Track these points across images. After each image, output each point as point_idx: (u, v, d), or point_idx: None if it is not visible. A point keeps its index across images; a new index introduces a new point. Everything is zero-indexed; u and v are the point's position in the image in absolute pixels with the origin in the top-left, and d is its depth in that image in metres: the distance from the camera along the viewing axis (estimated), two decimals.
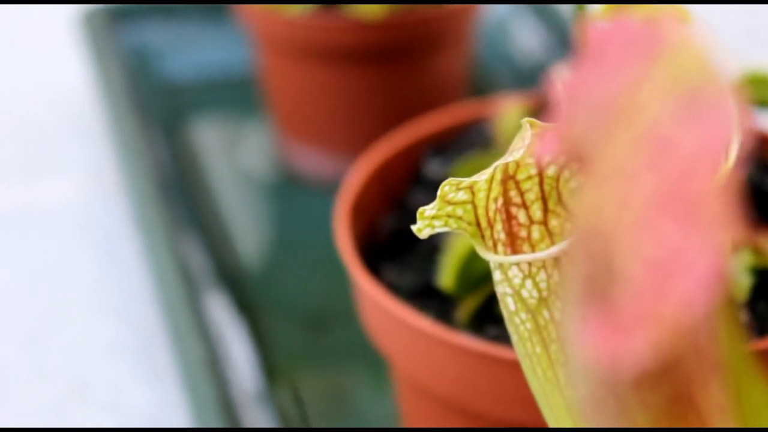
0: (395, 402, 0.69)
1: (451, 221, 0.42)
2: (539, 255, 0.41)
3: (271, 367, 0.78)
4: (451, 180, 0.41)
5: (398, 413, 0.68)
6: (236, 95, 1.08)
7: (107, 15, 1.09)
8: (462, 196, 0.42)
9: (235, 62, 1.09)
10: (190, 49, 1.11)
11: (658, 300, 0.24)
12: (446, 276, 0.61)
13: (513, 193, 0.43)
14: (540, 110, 0.71)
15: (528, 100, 0.72)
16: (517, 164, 0.42)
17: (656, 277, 0.24)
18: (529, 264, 0.41)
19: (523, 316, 0.42)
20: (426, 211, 0.42)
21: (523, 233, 0.43)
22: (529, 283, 0.42)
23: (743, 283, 0.58)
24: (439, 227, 0.42)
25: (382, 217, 0.70)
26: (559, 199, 0.42)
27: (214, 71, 1.10)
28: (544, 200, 0.43)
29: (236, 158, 1.01)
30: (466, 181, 0.41)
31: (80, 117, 1.06)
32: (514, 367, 0.56)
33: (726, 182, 0.25)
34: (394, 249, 0.67)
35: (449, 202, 0.42)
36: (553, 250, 0.41)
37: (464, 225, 0.42)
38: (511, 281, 0.42)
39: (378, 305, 0.60)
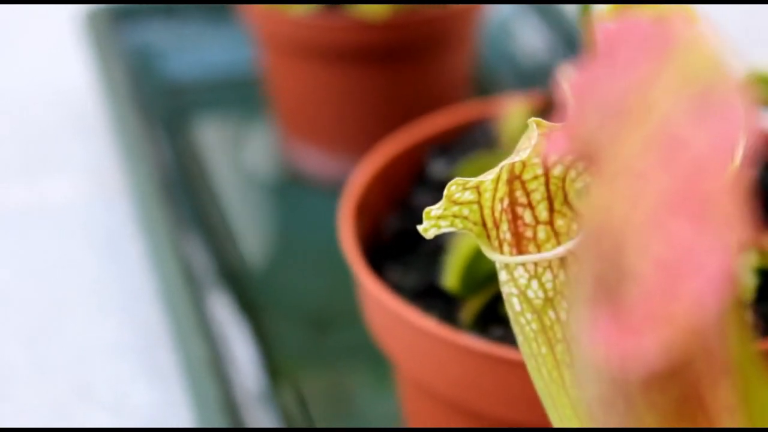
0: (399, 402, 0.69)
1: (457, 221, 0.42)
2: (545, 255, 0.41)
3: (274, 366, 0.78)
4: (457, 180, 0.41)
5: (402, 413, 0.68)
6: (239, 95, 1.08)
7: (110, 14, 1.09)
8: (468, 196, 0.41)
9: (239, 62, 1.09)
10: (193, 48, 1.11)
11: (668, 300, 0.24)
12: (451, 276, 0.61)
13: (519, 193, 0.43)
14: (545, 110, 0.71)
15: (532, 100, 0.72)
16: (524, 164, 0.42)
17: (667, 276, 0.24)
18: (535, 264, 0.41)
19: (529, 316, 0.42)
20: (432, 211, 0.42)
21: (529, 233, 0.43)
22: (534, 283, 0.42)
23: (749, 283, 0.58)
24: (445, 227, 0.42)
25: (386, 217, 0.69)
26: (565, 199, 0.42)
27: (217, 71, 1.10)
28: (550, 200, 0.43)
29: (239, 158, 1.01)
30: (473, 181, 0.41)
31: (83, 116, 1.05)
32: (519, 367, 0.56)
33: (736, 182, 0.25)
34: (398, 249, 0.67)
35: (455, 202, 0.41)
36: (559, 250, 0.41)
37: (470, 225, 0.42)
38: (517, 281, 0.42)
39: (382, 305, 0.60)
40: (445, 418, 0.62)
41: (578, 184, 0.42)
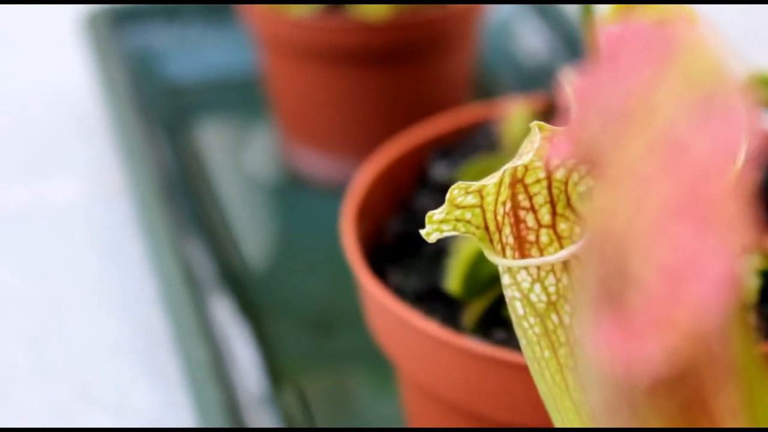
0: (400, 405, 0.69)
1: (460, 225, 0.42)
2: (548, 259, 0.41)
3: (276, 369, 0.78)
4: (459, 184, 0.41)
5: (404, 417, 0.68)
6: (240, 97, 1.08)
7: (111, 16, 1.09)
8: (471, 199, 0.41)
9: (239, 63, 1.09)
10: (194, 50, 1.11)
11: (672, 304, 0.24)
12: (453, 279, 0.61)
13: (521, 197, 0.42)
14: (546, 113, 0.71)
15: (534, 102, 0.72)
16: (526, 168, 0.42)
17: (670, 281, 0.24)
18: (538, 268, 0.41)
19: (532, 320, 0.42)
20: (434, 215, 0.41)
21: (532, 237, 0.43)
22: (537, 287, 0.42)
23: (751, 285, 0.58)
24: (447, 231, 0.42)
25: (388, 219, 0.69)
26: (568, 203, 0.42)
27: (217, 72, 1.10)
28: (552, 204, 0.42)
29: (240, 160, 1.00)
30: (475, 184, 0.41)
31: (83, 118, 1.05)
32: (521, 370, 0.56)
33: (739, 185, 0.25)
34: (400, 252, 0.67)
35: (458, 206, 0.41)
36: (562, 254, 0.41)
37: (473, 229, 0.42)
38: (520, 285, 0.42)
39: (384, 308, 0.60)
40: (447, 421, 0.62)
41: (581, 188, 0.42)
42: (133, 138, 0.92)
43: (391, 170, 0.70)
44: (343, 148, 0.95)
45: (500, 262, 0.42)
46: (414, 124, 0.79)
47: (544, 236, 0.43)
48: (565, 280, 0.41)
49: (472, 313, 0.61)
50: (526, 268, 0.41)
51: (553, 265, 0.41)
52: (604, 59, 0.27)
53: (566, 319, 0.42)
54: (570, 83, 0.52)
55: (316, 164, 0.96)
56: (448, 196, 0.41)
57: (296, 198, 0.97)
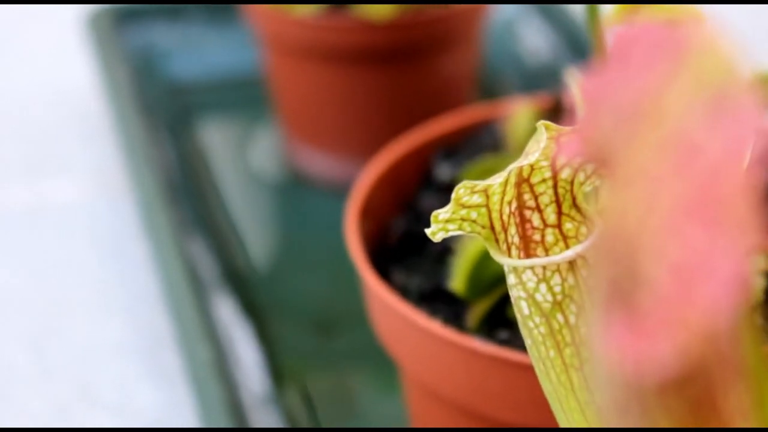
0: (404, 405, 0.69)
1: (465, 224, 0.42)
2: (554, 259, 0.41)
3: (279, 369, 0.78)
4: (465, 183, 0.41)
5: (407, 416, 0.68)
6: (243, 96, 1.07)
7: (113, 15, 1.09)
8: (476, 199, 0.41)
9: (242, 63, 1.09)
10: (197, 49, 1.11)
11: (683, 304, 0.24)
12: (457, 279, 0.61)
13: (527, 197, 0.42)
14: (551, 113, 0.71)
15: (538, 102, 0.72)
16: (532, 167, 0.42)
17: (681, 281, 0.24)
18: (544, 268, 0.41)
19: (537, 320, 0.42)
20: (440, 215, 0.41)
21: (537, 237, 0.43)
22: (543, 286, 0.42)
23: (758, 285, 0.58)
24: (453, 230, 0.42)
25: (392, 219, 0.69)
26: (574, 203, 0.42)
27: (220, 72, 1.10)
28: (558, 204, 0.42)
29: (243, 159, 1.00)
30: (481, 184, 0.41)
31: (86, 117, 1.05)
32: (525, 370, 0.56)
33: (749, 185, 0.25)
34: (404, 251, 0.67)
35: (464, 206, 0.41)
36: (568, 253, 0.41)
37: (478, 228, 0.42)
38: (525, 285, 0.42)
39: (388, 308, 0.60)
40: (451, 421, 0.62)
41: (586, 188, 0.42)
42: (135, 137, 0.92)
43: (395, 170, 0.70)
44: (347, 148, 0.95)
45: (506, 262, 0.42)
46: (417, 123, 0.79)
47: (550, 236, 0.43)
48: (570, 279, 0.41)
49: (476, 312, 0.61)
50: (531, 267, 0.41)
51: (558, 265, 0.41)
52: (614, 59, 0.27)
53: (572, 319, 0.42)
54: (576, 83, 0.52)
55: (320, 164, 0.96)
56: (453, 195, 0.41)
57: (300, 198, 0.97)
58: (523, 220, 0.43)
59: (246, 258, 0.89)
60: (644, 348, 0.24)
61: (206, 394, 0.69)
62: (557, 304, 0.42)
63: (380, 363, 0.73)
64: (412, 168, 0.71)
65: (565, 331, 0.42)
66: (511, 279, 0.42)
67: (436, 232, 0.42)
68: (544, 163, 0.41)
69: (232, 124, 1.07)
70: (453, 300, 0.63)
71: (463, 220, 0.42)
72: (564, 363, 0.42)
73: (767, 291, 0.59)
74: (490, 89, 1.05)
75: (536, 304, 0.42)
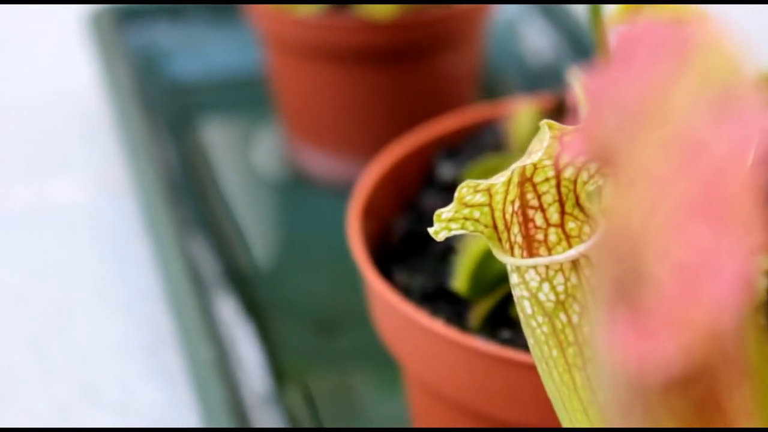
0: (406, 405, 0.69)
1: (468, 224, 0.42)
2: (557, 258, 0.41)
3: (281, 368, 0.78)
4: (468, 182, 0.41)
5: (409, 416, 0.68)
6: (245, 96, 1.07)
7: (115, 15, 1.08)
8: (479, 198, 0.41)
9: (244, 62, 1.09)
10: (198, 49, 1.11)
11: (687, 304, 0.24)
12: (460, 279, 0.61)
13: (530, 196, 0.42)
14: (553, 113, 0.71)
15: (540, 102, 0.72)
16: (535, 166, 0.42)
17: (686, 280, 0.24)
18: (547, 267, 0.41)
19: (540, 319, 0.42)
20: (443, 214, 0.41)
21: (540, 236, 0.43)
22: (546, 286, 0.41)
23: (762, 285, 0.58)
24: (455, 230, 0.42)
25: (394, 219, 0.69)
26: (577, 202, 0.42)
27: (222, 72, 1.10)
28: (561, 203, 0.42)
29: (245, 159, 1.00)
30: (484, 183, 0.41)
31: (88, 117, 1.05)
32: (528, 370, 0.56)
33: (754, 185, 0.24)
34: (407, 251, 0.67)
35: (466, 205, 0.41)
36: (571, 253, 0.41)
37: (481, 227, 0.42)
38: (528, 284, 0.42)
39: (390, 307, 0.60)
40: (453, 421, 0.62)
41: (590, 187, 0.42)
42: (137, 137, 0.92)
43: (397, 170, 0.70)
44: (349, 148, 0.95)
45: (509, 261, 0.42)
46: (419, 123, 0.79)
47: (553, 235, 0.43)
48: (573, 279, 0.41)
49: (478, 312, 0.61)
50: (534, 267, 0.41)
51: (561, 264, 0.41)
52: (618, 57, 0.27)
53: (575, 319, 0.42)
54: (579, 82, 0.51)
55: (322, 163, 0.96)
56: (456, 194, 0.41)
57: (301, 197, 0.97)
58: (526, 220, 0.43)
59: (248, 257, 0.89)
60: (648, 347, 0.24)
61: (207, 394, 0.69)
62: (560, 304, 0.41)
63: (382, 363, 0.73)
64: (414, 168, 0.71)
65: (568, 330, 0.42)
66: (513, 278, 0.42)
67: (439, 231, 0.42)
68: (547, 162, 0.41)
69: (233, 124, 1.07)
70: (455, 299, 0.63)
71: (466, 219, 0.42)
72: (567, 362, 0.42)
73: None
74: (492, 89, 1.05)
75: (539, 303, 0.42)
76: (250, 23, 0.98)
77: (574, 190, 0.42)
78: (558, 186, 0.42)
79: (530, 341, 0.43)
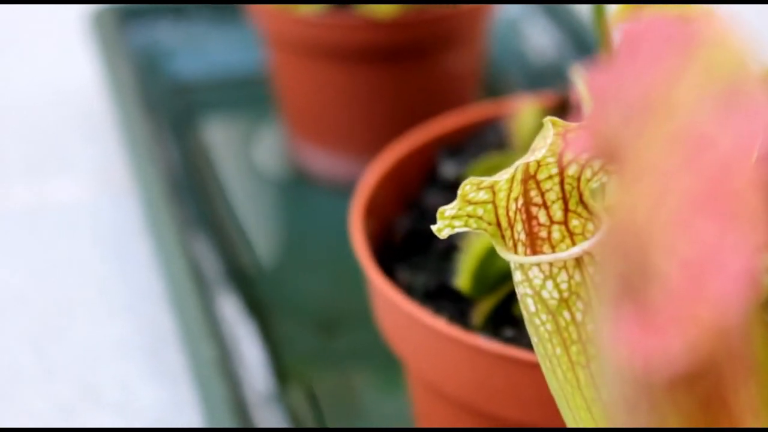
0: (408, 404, 0.69)
1: (472, 221, 0.42)
2: (560, 255, 0.41)
3: (283, 367, 0.78)
4: (471, 179, 0.41)
5: (412, 415, 0.68)
6: (247, 95, 1.07)
7: (117, 14, 1.08)
8: (483, 195, 0.41)
9: (246, 62, 1.08)
10: (201, 48, 1.11)
11: (693, 300, 0.24)
12: (463, 277, 0.61)
13: (533, 193, 0.42)
14: (556, 111, 0.70)
15: (542, 100, 0.72)
16: (538, 164, 0.41)
17: (691, 276, 0.24)
18: (550, 265, 0.41)
19: (544, 317, 0.42)
20: (446, 211, 0.41)
21: (544, 233, 0.43)
22: (549, 284, 0.41)
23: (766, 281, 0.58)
24: (459, 227, 0.42)
25: (397, 217, 0.69)
26: (580, 199, 0.42)
27: (224, 71, 1.09)
28: (564, 200, 0.42)
29: (247, 158, 1.00)
30: (487, 180, 0.41)
31: (90, 116, 1.05)
32: (531, 368, 0.56)
33: (759, 180, 0.24)
34: (409, 250, 0.67)
35: (470, 202, 0.41)
36: (575, 250, 0.41)
37: (484, 225, 0.42)
38: (532, 282, 0.42)
39: (393, 305, 0.60)
40: (456, 419, 0.62)
41: (593, 184, 0.42)
42: (139, 136, 0.92)
43: (400, 168, 0.70)
44: (351, 146, 0.95)
45: (512, 259, 0.42)
46: (422, 122, 0.79)
47: (556, 233, 0.43)
48: (577, 276, 0.41)
49: (481, 310, 0.61)
50: (538, 264, 0.41)
51: (565, 262, 0.41)
52: (623, 53, 0.26)
53: (578, 316, 0.42)
54: (582, 80, 0.51)
55: (324, 162, 0.96)
56: (460, 191, 0.41)
57: (303, 196, 0.97)
58: (530, 217, 0.43)
59: (250, 256, 0.89)
60: (654, 344, 0.23)
61: (210, 393, 0.69)
62: (564, 301, 0.41)
63: (385, 361, 0.72)
64: (416, 166, 0.71)
65: (571, 328, 0.42)
66: (517, 276, 0.42)
67: (442, 229, 0.42)
68: (551, 160, 0.41)
69: (235, 123, 1.06)
70: (458, 297, 0.62)
71: (469, 216, 0.42)
72: (570, 360, 0.42)
73: None
74: (494, 88, 1.05)
75: (542, 301, 0.42)
76: (251, 22, 0.98)
77: (578, 188, 0.42)
78: (561, 183, 0.42)
79: (534, 339, 0.43)
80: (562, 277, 0.41)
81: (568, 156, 0.40)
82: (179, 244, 0.81)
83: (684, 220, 0.23)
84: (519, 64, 1.09)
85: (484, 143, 0.72)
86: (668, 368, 0.23)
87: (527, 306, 0.42)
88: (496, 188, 0.41)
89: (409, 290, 0.63)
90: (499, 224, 0.42)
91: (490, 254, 0.59)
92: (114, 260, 0.88)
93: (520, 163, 0.41)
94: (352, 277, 0.75)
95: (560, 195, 0.42)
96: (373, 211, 0.66)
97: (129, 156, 0.92)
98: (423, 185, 0.71)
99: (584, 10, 1.07)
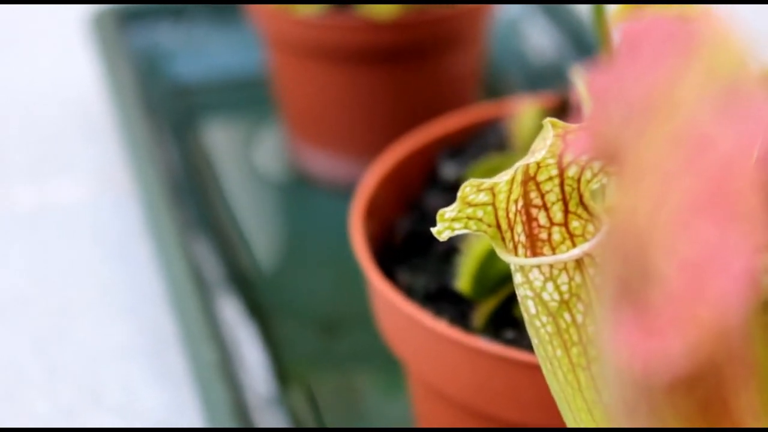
0: (409, 406, 0.68)
1: (471, 223, 0.41)
2: (561, 257, 0.41)
3: (284, 369, 0.78)
4: (471, 181, 0.41)
5: (413, 417, 0.68)
6: (247, 97, 1.07)
7: (117, 16, 1.08)
8: (483, 197, 0.41)
9: (246, 63, 1.08)
10: (201, 50, 1.10)
11: (693, 301, 0.24)
12: (463, 278, 0.60)
13: (534, 195, 0.42)
14: (556, 112, 0.70)
15: (543, 101, 0.72)
16: (538, 165, 0.41)
17: (692, 278, 0.24)
18: (551, 266, 0.41)
19: (544, 319, 0.42)
20: (446, 213, 0.41)
21: (544, 235, 0.43)
22: (550, 285, 0.41)
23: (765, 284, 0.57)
24: (458, 229, 0.41)
25: (397, 219, 0.69)
26: (581, 201, 0.42)
27: (224, 72, 1.09)
28: (564, 202, 0.42)
29: (248, 160, 1.00)
30: (487, 182, 0.41)
31: (90, 118, 1.05)
32: (531, 370, 0.56)
33: (760, 180, 0.24)
34: (410, 251, 0.67)
35: (470, 204, 0.41)
36: (575, 252, 0.41)
37: (484, 227, 0.42)
38: (532, 284, 0.41)
39: (393, 307, 0.60)
40: (457, 422, 0.62)
41: (593, 185, 0.42)
42: (139, 138, 0.92)
43: (400, 170, 0.70)
44: (351, 148, 0.95)
45: (512, 261, 0.41)
46: (422, 123, 0.78)
47: (557, 234, 0.42)
48: (577, 278, 0.41)
49: (481, 312, 0.61)
50: (538, 266, 0.41)
51: (565, 264, 0.41)
52: (623, 53, 0.26)
53: (579, 318, 0.41)
54: (582, 80, 0.51)
55: (324, 164, 0.96)
56: (459, 193, 0.41)
57: (304, 198, 0.96)
58: (530, 219, 0.42)
59: (250, 258, 0.89)
60: (654, 346, 0.23)
61: (211, 395, 0.69)
62: (564, 303, 0.41)
63: (385, 363, 0.72)
64: (416, 168, 0.71)
65: (572, 330, 0.42)
66: (517, 278, 0.42)
67: (442, 231, 0.41)
68: (551, 161, 0.41)
69: (236, 125, 1.06)
70: (459, 299, 0.62)
71: (469, 218, 0.41)
72: (571, 362, 0.42)
73: None
74: (495, 88, 1.05)
75: (543, 303, 0.41)
76: (252, 24, 0.98)
77: (578, 189, 0.42)
78: (561, 184, 0.42)
79: (534, 341, 0.43)
80: (563, 278, 0.41)
81: (568, 157, 0.40)
82: (180, 246, 0.81)
83: (684, 221, 0.23)
84: (519, 65, 1.09)
85: (484, 144, 0.72)
86: (668, 371, 0.23)
87: (528, 308, 0.42)
88: (496, 190, 0.41)
89: (410, 292, 0.63)
90: (499, 226, 0.42)
91: (491, 256, 0.59)
92: (115, 262, 0.88)
93: (519, 164, 0.41)
94: (352, 279, 0.74)
95: (560, 196, 0.42)
96: (373, 212, 0.66)
97: (129, 158, 0.92)
98: (423, 186, 0.71)
99: (584, 10, 1.07)
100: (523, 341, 0.59)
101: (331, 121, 0.95)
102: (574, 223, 0.42)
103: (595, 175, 0.41)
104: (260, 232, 0.93)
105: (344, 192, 0.84)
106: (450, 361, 0.58)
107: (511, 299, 0.60)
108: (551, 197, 0.42)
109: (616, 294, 0.25)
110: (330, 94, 0.93)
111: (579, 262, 0.41)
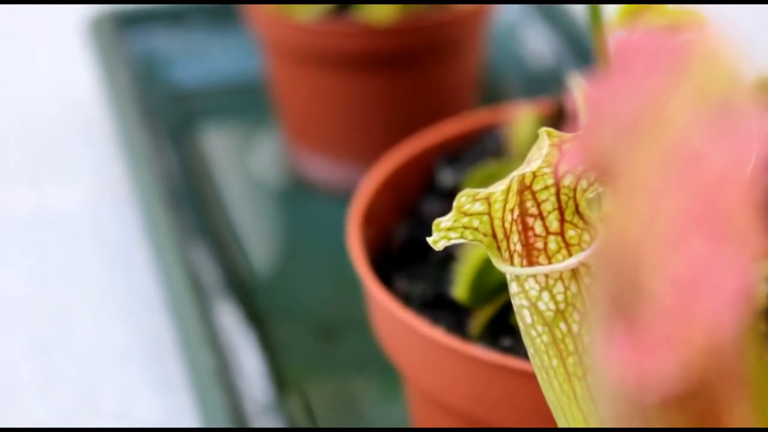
0: (407, 413, 0.68)
1: (467, 233, 0.41)
2: (556, 267, 0.41)
3: (281, 376, 0.78)
4: (467, 191, 0.41)
5: (410, 424, 0.68)
6: (245, 102, 1.07)
7: (115, 21, 1.08)
8: (478, 207, 0.41)
9: (245, 68, 1.08)
10: (199, 55, 1.10)
11: (685, 319, 0.23)
12: (460, 286, 0.60)
13: (529, 204, 0.42)
14: (553, 118, 0.70)
15: (541, 107, 0.72)
16: (534, 174, 0.41)
17: (684, 295, 0.23)
18: (546, 276, 0.41)
19: (540, 328, 0.42)
20: (442, 223, 0.41)
21: (540, 244, 0.43)
22: (545, 295, 0.41)
23: (761, 292, 0.57)
24: (454, 239, 0.41)
25: (395, 225, 0.69)
26: (576, 210, 0.42)
27: (223, 77, 1.09)
28: (560, 211, 0.42)
29: (246, 165, 1.00)
30: (483, 191, 0.41)
31: (88, 123, 1.05)
32: (528, 378, 0.55)
33: (752, 195, 0.24)
34: (407, 258, 0.67)
35: (465, 213, 0.41)
36: (571, 261, 0.41)
37: (480, 236, 0.41)
38: (528, 293, 0.41)
39: (390, 315, 0.59)
40: (454, 429, 0.62)
41: (589, 195, 0.41)
42: (138, 143, 0.92)
43: (398, 176, 0.70)
44: (349, 153, 0.95)
45: (508, 270, 0.41)
46: (420, 129, 0.78)
47: (553, 243, 0.42)
48: (573, 288, 0.41)
49: (478, 320, 0.61)
50: (534, 276, 0.41)
51: (561, 273, 0.41)
52: (616, 68, 0.26)
53: (575, 328, 0.41)
54: (579, 89, 0.51)
55: (322, 169, 0.96)
56: (455, 203, 0.41)
57: (302, 204, 0.96)
58: (526, 228, 0.42)
59: (248, 265, 0.89)
60: (646, 363, 0.23)
61: (208, 402, 0.69)
62: (560, 313, 0.41)
63: (383, 370, 0.72)
64: (414, 174, 0.71)
65: (567, 339, 0.42)
66: (513, 287, 0.42)
67: (437, 241, 0.41)
68: (547, 170, 0.41)
69: (234, 130, 1.06)
70: (456, 307, 0.62)
71: (464, 228, 0.41)
72: (567, 372, 0.42)
73: None
74: (492, 94, 1.04)
75: (539, 312, 0.41)
76: (250, 29, 0.98)
77: (574, 198, 0.42)
78: (557, 194, 0.42)
79: (530, 351, 0.43)
80: (558, 288, 0.41)
81: (563, 167, 0.40)
82: (177, 252, 0.81)
83: (676, 238, 0.23)
84: (517, 69, 1.09)
85: (482, 150, 0.72)
86: (660, 388, 0.23)
87: (523, 317, 0.42)
88: (492, 199, 0.41)
89: (407, 299, 0.63)
90: (495, 235, 0.42)
91: (488, 264, 0.59)
92: (112, 267, 0.88)
93: (515, 174, 0.41)
94: (350, 285, 0.74)
95: (556, 205, 0.42)
96: (371, 218, 0.66)
97: (127, 163, 0.91)
98: (421, 193, 0.71)
99: (582, 14, 1.07)
100: (520, 349, 0.59)
101: (329, 126, 0.95)
102: (570, 232, 0.42)
103: (591, 184, 0.41)
104: (258, 237, 0.92)
105: (342, 197, 0.84)
106: (447, 368, 0.58)
107: (508, 307, 0.60)
108: (547, 206, 0.42)
109: (609, 310, 0.25)
110: (328, 99, 0.93)
111: (575, 272, 0.41)
